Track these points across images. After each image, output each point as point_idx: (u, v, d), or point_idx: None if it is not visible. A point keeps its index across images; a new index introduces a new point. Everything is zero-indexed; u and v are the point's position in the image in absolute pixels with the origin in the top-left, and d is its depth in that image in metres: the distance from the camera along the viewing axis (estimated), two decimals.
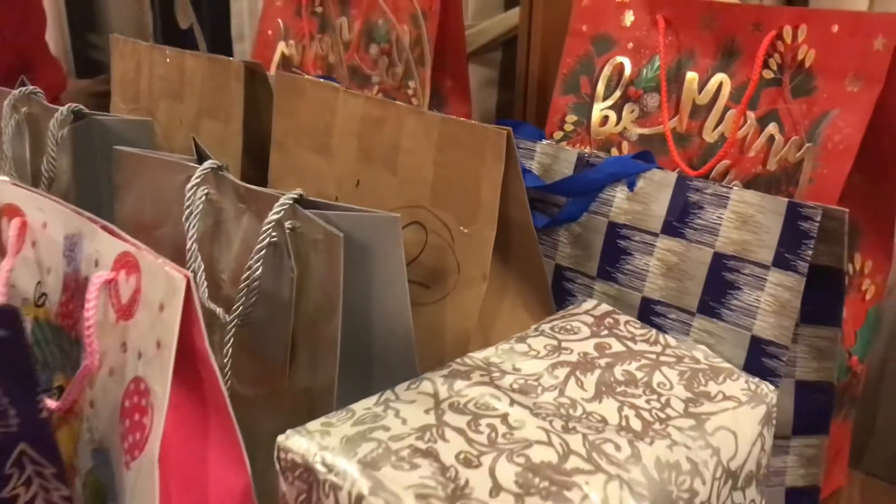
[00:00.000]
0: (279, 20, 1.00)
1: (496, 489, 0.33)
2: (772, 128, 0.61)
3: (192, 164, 0.52)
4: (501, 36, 1.02)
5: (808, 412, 0.55)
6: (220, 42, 1.79)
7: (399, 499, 0.32)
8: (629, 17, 0.70)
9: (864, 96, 0.56)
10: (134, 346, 0.39)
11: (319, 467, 0.35)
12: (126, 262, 0.39)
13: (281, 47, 1.01)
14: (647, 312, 0.54)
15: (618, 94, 0.70)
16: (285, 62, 1.00)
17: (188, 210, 0.50)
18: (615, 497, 0.34)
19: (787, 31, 0.60)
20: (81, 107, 0.65)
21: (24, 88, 0.69)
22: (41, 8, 1.33)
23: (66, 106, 0.64)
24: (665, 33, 0.67)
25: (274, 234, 0.45)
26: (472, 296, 0.50)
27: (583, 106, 0.72)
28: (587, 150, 0.69)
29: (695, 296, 0.53)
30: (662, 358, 0.44)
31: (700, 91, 0.65)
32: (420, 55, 0.87)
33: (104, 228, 0.41)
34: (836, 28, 0.57)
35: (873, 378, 0.81)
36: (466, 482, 0.33)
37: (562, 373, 0.42)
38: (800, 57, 0.59)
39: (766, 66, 0.61)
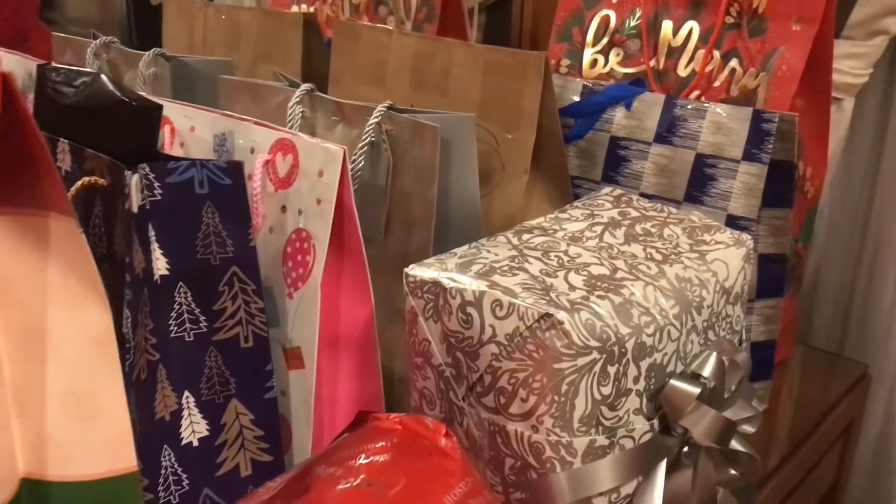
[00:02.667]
0: None
1: (572, 288, 0.48)
2: (733, 62, 0.77)
3: (288, 88, 0.65)
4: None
5: (768, 279, 0.71)
6: None
7: (510, 290, 0.46)
8: None
9: (805, 34, 0.72)
10: (293, 206, 0.52)
11: (445, 280, 0.48)
12: (282, 145, 0.53)
13: (294, 10, 1.13)
14: None
15: (605, 41, 0.85)
16: None
17: (289, 123, 0.63)
18: (651, 295, 0.49)
19: None
20: (164, 50, 0.77)
21: (103, 38, 0.80)
22: None
23: (152, 50, 0.76)
24: None
25: (373, 135, 0.59)
26: (516, 187, 0.65)
27: (575, 52, 0.87)
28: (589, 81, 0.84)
29: (681, 188, 0.69)
30: (669, 220, 0.59)
31: (674, 36, 0.81)
32: (427, 14, 1.00)
33: (257, 124, 0.54)
34: None
35: (814, 264, 0.99)
36: (551, 284, 0.48)
37: (598, 229, 0.56)
38: (754, 5, 0.75)
39: (727, 13, 0.77)
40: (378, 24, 0.72)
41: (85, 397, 0.38)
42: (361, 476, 0.40)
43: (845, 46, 0.91)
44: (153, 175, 0.45)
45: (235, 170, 0.46)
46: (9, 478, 0.37)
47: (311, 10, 1.11)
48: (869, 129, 1.00)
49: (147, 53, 0.76)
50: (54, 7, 2.18)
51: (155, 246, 0.46)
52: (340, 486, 0.40)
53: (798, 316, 0.83)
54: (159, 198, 0.45)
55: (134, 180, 0.43)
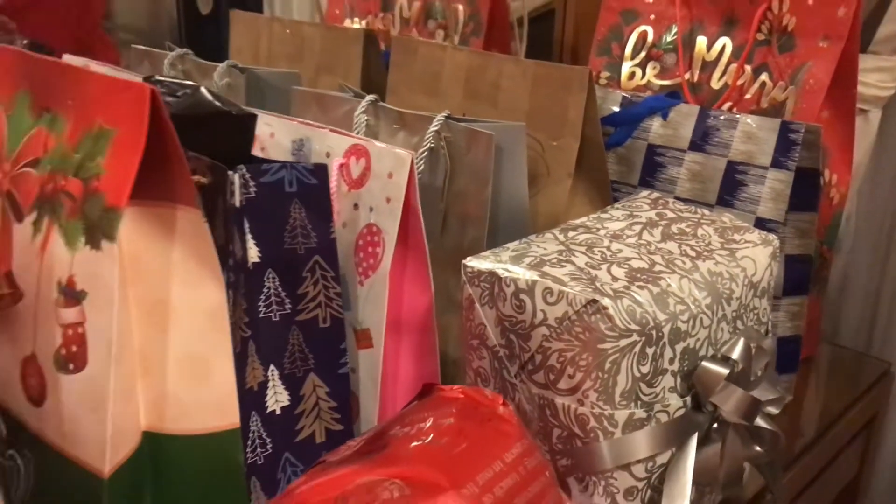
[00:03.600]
0: (345, 1, 1.19)
1: (614, 279, 0.53)
2: (763, 76, 0.82)
3: (354, 98, 0.72)
4: (534, 11, 1.22)
5: (794, 278, 0.76)
6: None
7: (560, 279, 0.52)
8: None
9: (832, 51, 0.77)
10: (365, 204, 0.59)
11: (500, 270, 0.54)
12: (356, 150, 0.59)
13: (347, 24, 1.20)
14: None
15: (642, 55, 0.91)
16: None
17: (355, 131, 0.70)
18: (686, 286, 0.55)
19: (775, 4, 0.81)
20: (236, 62, 0.84)
21: (179, 50, 0.88)
22: None
23: (226, 62, 0.83)
24: (680, 8, 0.88)
25: (432, 142, 0.65)
26: (561, 190, 0.71)
27: (614, 65, 0.93)
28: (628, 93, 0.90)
29: (714, 193, 0.74)
30: (702, 220, 0.64)
31: (708, 51, 0.86)
32: (473, 28, 1.07)
33: (332, 131, 0.61)
34: (810, 1, 0.79)
35: (842, 268, 1.04)
36: (596, 276, 0.54)
37: (637, 228, 0.62)
38: (784, 23, 0.81)
39: (759, 30, 0.82)
40: (433, 41, 0.79)
41: (199, 362, 0.44)
42: (431, 436, 0.46)
43: (872, 61, 0.96)
44: (249, 175, 0.51)
45: (321, 171, 0.53)
46: (134, 431, 0.44)
47: (364, 23, 1.18)
48: (894, 139, 1.04)
49: (221, 65, 0.83)
50: (104, 14, 2.28)
51: (249, 237, 0.52)
52: (413, 444, 0.46)
53: (823, 314, 0.88)
54: (253, 195, 0.52)
55: (235, 179, 0.50)
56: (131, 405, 0.43)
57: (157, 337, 0.44)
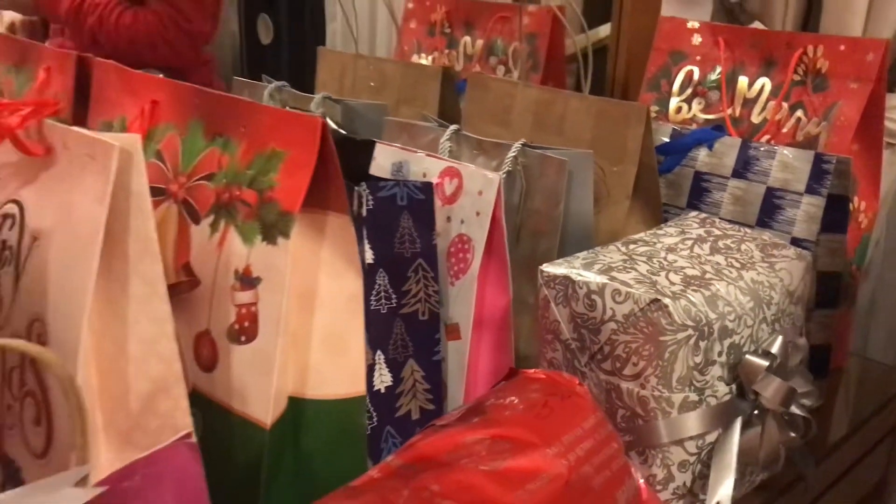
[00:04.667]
0: (414, 38, 1.31)
1: (672, 283, 0.63)
2: (799, 113, 0.92)
3: (437, 128, 0.83)
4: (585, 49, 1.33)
5: (825, 292, 0.85)
6: (299, 55, 2.12)
7: (626, 282, 0.62)
8: (697, 39, 1.01)
9: (861, 91, 0.87)
10: (457, 217, 0.69)
11: (574, 275, 0.64)
12: (450, 172, 0.70)
13: (415, 59, 1.31)
14: None
15: (689, 91, 1.01)
16: None
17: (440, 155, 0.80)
18: (732, 292, 0.64)
19: (810, 49, 0.91)
20: (329, 94, 0.95)
21: (276, 83, 0.99)
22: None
23: (320, 94, 0.95)
24: (724, 50, 0.98)
25: (510, 166, 0.76)
26: (619, 210, 0.81)
27: (662, 100, 1.03)
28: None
29: (753, 215, 0.84)
30: (745, 238, 0.74)
31: (749, 89, 0.96)
32: (532, 65, 1.18)
33: (428, 155, 0.72)
34: (842, 47, 0.88)
35: (871, 290, 1.13)
36: (656, 280, 0.63)
37: (688, 242, 0.71)
38: (818, 66, 0.90)
39: (795, 72, 0.92)
40: (505, 78, 0.89)
41: (338, 339, 0.55)
42: (522, 406, 0.56)
43: None
44: (368, 191, 0.62)
45: (427, 188, 0.63)
46: (283, 397, 0.54)
47: (430, 59, 1.30)
48: None
49: (316, 97, 0.95)
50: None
51: (366, 241, 0.63)
52: (507, 413, 0.56)
53: (852, 329, 0.96)
54: (372, 206, 0.63)
55: (364, 193, 0.61)
56: (284, 377, 0.54)
57: (305, 318, 0.54)
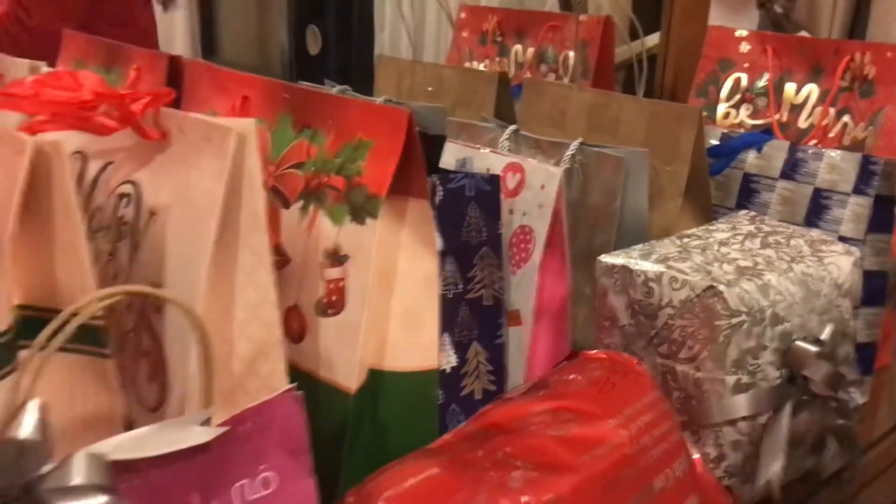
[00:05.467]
0: (466, 47, 1.36)
1: (726, 273, 0.67)
2: (846, 118, 0.95)
3: (496, 128, 0.87)
4: (628, 59, 1.37)
5: (871, 290, 0.88)
6: (345, 64, 2.18)
7: (683, 270, 0.66)
8: (745, 47, 1.05)
9: None
10: (519, 209, 0.73)
11: (632, 264, 0.68)
12: (512, 167, 0.74)
13: (466, 66, 1.36)
14: None
15: (737, 97, 1.05)
16: None
17: None
18: (783, 282, 0.68)
19: (857, 56, 0.94)
20: (391, 97, 1.00)
21: (339, 87, 1.04)
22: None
23: (382, 97, 1.00)
24: (772, 58, 1.02)
25: (568, 163, 0.80)
26: (672, 207, 0.84)
27: (711, 106, 1.07)
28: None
29: (801, 215, 0.87)
30: (794, 234, 0.77)
31: (796, 95, 1.00)
32: (582, 72, 1.22)
33: (492, 152, 0.76)
34: (889, 54, 0.91)
35: None
36: (711, 269, 0.67)
37: (739, 237, 0.75)
38: (865, 72, 0.94)
39: (842, 78, 0.95)
40: (560, 83, 0.94)
41: (414, 315, 0.59)
42: (584, 382, 0.60)
43: None
44: (439, 182, 0.67)
45: (494, 180, 0.67)
46: (364, 367, 0.59)
47: (482, 66, 1.35)
48: None
49: (379, 99, 0.99)
50: (213, 51, 2.52)
51: (435, 230, 0.67)
52: (571, 388, 0.60)
53: None
54: (442, 197, 0.67)
55: (436, 183, 0.65)
56: (368, 344, 0.58)
57: (385, 296, 0.58)
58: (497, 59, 1.33)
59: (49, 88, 0.46)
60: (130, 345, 0.51)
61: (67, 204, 0.41)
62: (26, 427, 0.35)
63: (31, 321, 0.43)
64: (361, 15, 2.20)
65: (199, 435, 0.40)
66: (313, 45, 2.27)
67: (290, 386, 0.45)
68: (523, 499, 0.49)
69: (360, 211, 0.55)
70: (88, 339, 0.45)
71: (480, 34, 1.34)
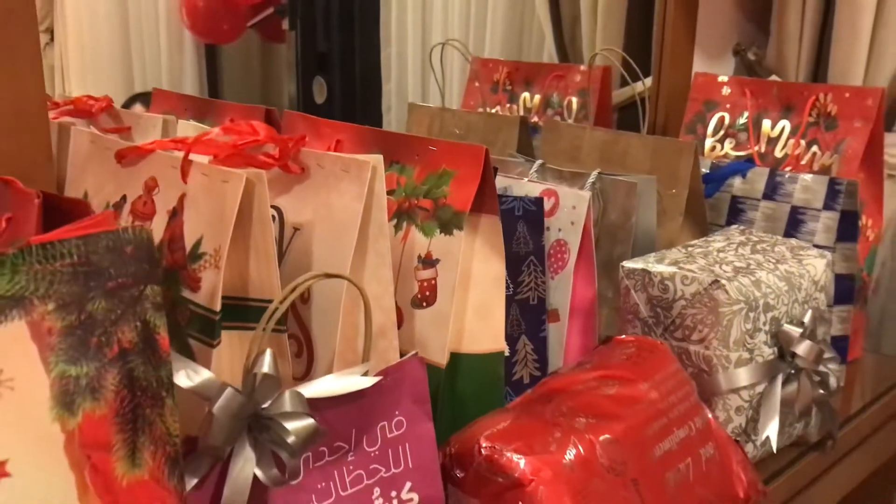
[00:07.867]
0: (479, 95, 1.54)
1: (726, 272, 0.83)
2: (814, 148, 1.13)
3: (524, 162, 1.04)
4: (622, 103, 1.55)
5: (841, 291, 1.05)
6: (350, 113, 2.36)
7: (692, 270, 0.82)
8: (727, 90, 1.23)
9: (864, 130, 1.08)
10: (554, 226, 0.90)
11: (650, 267, 0.85)
12: (548, 192, 0.91)
13: (479, 110, 1.53)
14: None
15: (721, 133, 1.23)
16: None
17: None
18: (772, 278, 0.84)
19: (822, 96, 1.12)
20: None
21: None
22: None
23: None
24: (750, 99, 1.20)
25: (590, 189, 0.97)
26: (674, 225, 1.01)
27: (699, 141, 1.25)
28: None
29: (781, 229, 1.04)
30: (777, 243, 0.94)
31: (772, 130, 1.18)
32: (584, 116, 1.39)
33: (529, 181, 0.93)
34: (847, 94, 1.10)
35: (881, 305, 1.32)
36: (713, 269, 0.83)
37: (733, 246, 0.92)
38: (829, 109, 1.12)
39: (809, 115, 1.13)
40: (575, 124, 1.11)
41: (485, 307, 0.75)
42: (623, 357, 0.76)
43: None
44: None
45: (538, 202, 0.84)
46: (446, 353, 0.74)
47: (494, 111, 1.52)
48: None
49: None
50: (217, 93, 2.70)
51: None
52: (612, 361, 0.75)
53: (864, 325, 1.16)
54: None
55: None
56: (446, 340, 0.74)
57: (462, 293, 0.74)
58: (507, 105, 1.50)
59: (234, 135, 0.62)
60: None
61: (264, 218, 0.57)
62: (264, 366, 0.50)
63: (229, 308, 0.58)
64: (364, 69, 2.38)
65: (363, 382, 0.56)
66: (319, 95, 2.45)
67: (415, 351, 0.61)
68: (587, 436, 0.65)
69: (448, 224, 0.71)
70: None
71: (492, 84, 1.52)
